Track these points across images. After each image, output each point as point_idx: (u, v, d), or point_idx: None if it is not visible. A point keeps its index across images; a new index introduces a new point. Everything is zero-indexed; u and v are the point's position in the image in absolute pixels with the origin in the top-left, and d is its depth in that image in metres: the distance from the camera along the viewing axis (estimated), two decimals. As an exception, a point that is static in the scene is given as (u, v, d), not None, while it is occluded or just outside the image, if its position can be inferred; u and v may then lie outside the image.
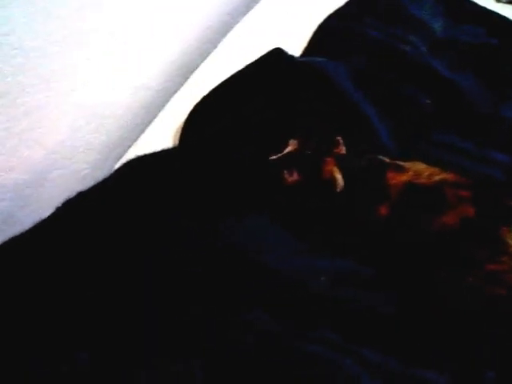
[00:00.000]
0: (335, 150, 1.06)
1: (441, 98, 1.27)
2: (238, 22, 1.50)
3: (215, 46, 1.45)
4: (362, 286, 0.91)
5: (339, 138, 1.07)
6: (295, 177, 1.03)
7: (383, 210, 0.97)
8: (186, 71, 1.44)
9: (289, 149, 1.05)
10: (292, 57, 1.32)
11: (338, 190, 1.00)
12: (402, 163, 1.03)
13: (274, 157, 1.04)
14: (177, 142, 1.22)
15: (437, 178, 0.97)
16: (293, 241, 1.00)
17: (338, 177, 1.01)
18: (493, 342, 0.84)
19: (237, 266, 0.94)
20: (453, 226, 0.90)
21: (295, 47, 1.40)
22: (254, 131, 1.15)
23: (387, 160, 1.04)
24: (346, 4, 1.49)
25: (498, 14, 1.55)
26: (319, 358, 0.80)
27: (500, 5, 1.66)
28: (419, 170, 1.00)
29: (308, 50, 1.41)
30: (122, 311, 0.88)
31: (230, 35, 1.47)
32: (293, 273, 0.93)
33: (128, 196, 1.05)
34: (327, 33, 1.43)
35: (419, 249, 0.93)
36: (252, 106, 1.19)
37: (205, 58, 1.42)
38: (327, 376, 0.78)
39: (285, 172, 1.03)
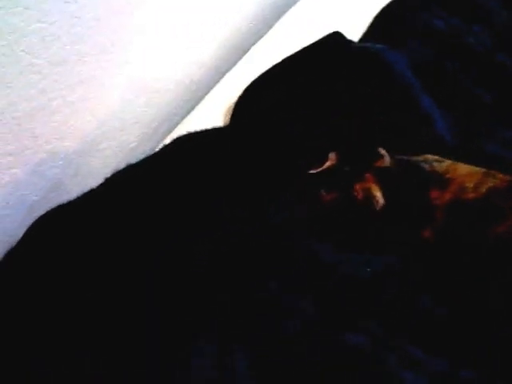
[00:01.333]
0: (377, 164, 0.98)
1: (505, 92, 1.23)
2: (295, 2, 1.47)
3: (270, 27, 1.43)
4: (410, 283, 0.89)
5: (381, 149, 0.99)
6: (332, 195, 0.98)
7: (427, 233, 0.93)
8: (239, 50, 1.42)
9: (327, 164, 0.99)
10: (351, 41, 1.29)
11: (378, 208, 0.94)
12: (444, 172, 0.96)
13: (313, 171, 0.99)
14: (226, 121, 1.21)
15: (484, 187, 0.91)
16: None
17: (377, 195, 0.95)
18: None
19: (281, 253, 0.93)
20: (507, 235, 0.87)
21: (354, 32, 1.36)
22: (309, 110, 1.12)
23: (427, 168, 0.97)
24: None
25: None
26: (362, 350, 0.78)
27: None
28: (463, 181, 0.93)
29: (368, 36, 1.37)
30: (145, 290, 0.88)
31: (287, 15, 1.44)
32: (339, 263, 0.92)
33: (175, 172, 1.05)
34: (388, 19, 1.39)
35: (472, 261, 0.89)
36: (308, 86, 1.17)
37: (259, 38, 1.40)
38: (369, 370, 0.77)
39: (322, 191, 0.98)
